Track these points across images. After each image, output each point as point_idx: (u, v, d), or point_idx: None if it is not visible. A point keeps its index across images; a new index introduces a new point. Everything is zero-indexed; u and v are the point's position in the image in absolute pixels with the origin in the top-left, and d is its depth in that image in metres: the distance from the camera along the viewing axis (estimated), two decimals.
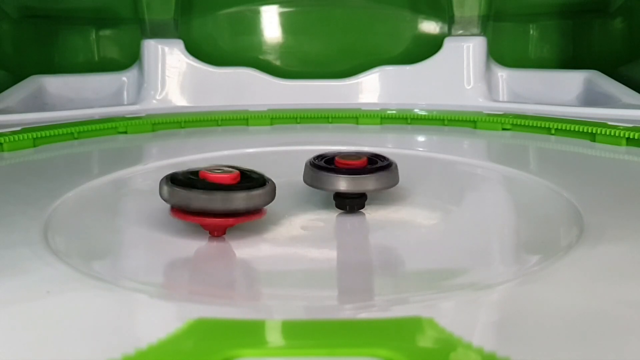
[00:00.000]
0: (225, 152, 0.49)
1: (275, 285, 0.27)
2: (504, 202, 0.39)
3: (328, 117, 0.63)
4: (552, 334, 0.18)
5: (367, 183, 0.32)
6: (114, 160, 0.49)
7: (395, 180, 0.33)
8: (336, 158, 0.33)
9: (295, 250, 0.29)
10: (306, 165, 0.34)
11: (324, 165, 0.33)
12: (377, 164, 0.33)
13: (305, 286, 0.27)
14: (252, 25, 0.80)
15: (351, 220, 0.33)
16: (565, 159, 0.47)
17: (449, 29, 0.75)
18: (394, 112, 0.63)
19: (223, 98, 0.70)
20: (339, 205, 0.34)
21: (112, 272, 0.27)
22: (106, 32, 0.81)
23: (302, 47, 0.81)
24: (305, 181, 0.34)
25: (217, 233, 0.29)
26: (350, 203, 0.33)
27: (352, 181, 0.32)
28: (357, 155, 0.34)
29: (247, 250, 0.29)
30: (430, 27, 0.79)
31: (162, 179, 0.29)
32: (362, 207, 0.34)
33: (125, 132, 0.58)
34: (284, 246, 0.30)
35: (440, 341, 0.18)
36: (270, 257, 0.29)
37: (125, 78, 0.74)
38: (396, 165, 0.34)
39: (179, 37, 0.74)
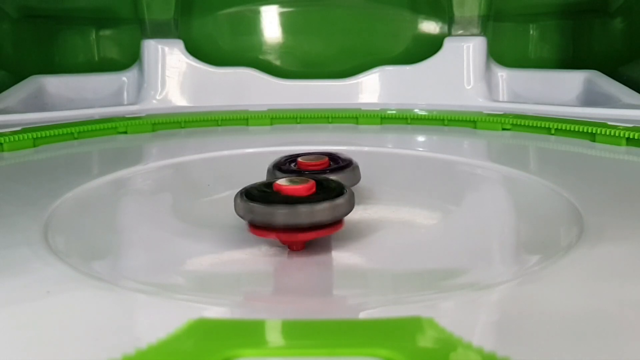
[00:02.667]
0: (225, 152, 0.49)
1: (270, 286, 0.27)
2: (504, 202, 0.39)
3: (328, 117, 0.63)
4: (552, 334, 0.18)
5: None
6: (114, 160, 0.49)
7: (357, 179, 0.34)
8: (298, 160, 0.34)
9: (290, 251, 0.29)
10: (268, 169, 0.34)
11: (287, 168, 0.33)
12: (338, 164, 0.34)
13: (305, 286, 0.27)
14: (252, 25, 0.80)
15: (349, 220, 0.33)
16: (565, 159, 0.47)
17: (449, 29, 0.75)
18: (394, 112, 0.63)
19: (223, 98, 0.70)
20: None
21: (112, 272, 0.27)
22: (106, 32, 0.81)
23: (302, 47, 0.81)
24: None
25: (295, 247, 0.28)
26: None
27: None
28: (318, 156, 0.34)
29: (242, 250, 0.29)
30: (430, 27, 0.79)
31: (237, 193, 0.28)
32: None
33: (125, 132, 0.58)
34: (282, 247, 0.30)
35: (440, 341, 0.18)
36: (268, 256, 0.29)
37: (125, 78, 0.74)
38: (357, 165, 0.34)
39: (179, 37, 0.74)
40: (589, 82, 0.68)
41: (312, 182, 0.27)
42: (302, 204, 0.26)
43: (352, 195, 0.28)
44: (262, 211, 0.26)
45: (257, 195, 0.27)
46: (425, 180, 0.44)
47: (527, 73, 0.74)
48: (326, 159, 0.34)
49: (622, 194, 0.35)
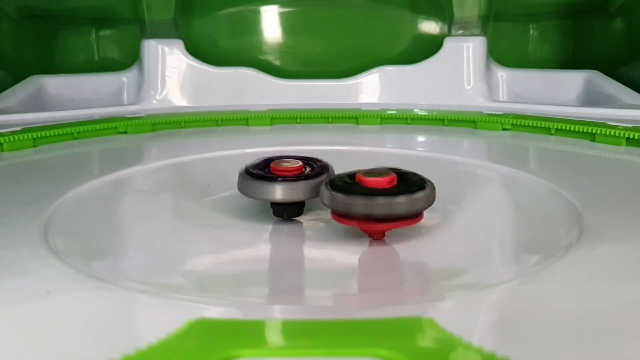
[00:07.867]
0: (225, 152, 0.49)
1: (275, 285, 0.27)
2: (504, 202, 0.39)
3: (328, 117, 0.63)
4: (552, 334, 0.18)
5: (302, 191, 0.31)
6: (114, 160, 0.49)
7: None
8: (271, 165, 0.32)
9: (288, 251, 0.29)
10: (240, 173, 0.32)
11: (259, 173, 0.32)
12: (314, 169, 0.32)
13: (304, 286, 0.27)
14: (252, 25, 0.80)
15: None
16: (565, 159, 0.47)
17: (449, 29, 0.75)
18: (394, 112, 0.63)
19: (223, 98, 0.70)
20: (276, 213, 0.32)
21: (112, 272, 0.27)
22: (106, 32, 0.81)
23: (302, 47, 0.81)
24: (240, 190, 0.32)
25: (376, 236, 0.29)
26: (288, 210, 0.32)
27: (287, 190, 0.31)
28: (292, 160, 0.33)
29: (249, 250, 0.29)
30: (430, 27, 0.79)
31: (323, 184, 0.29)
32: (300, 214, 0.33)
33: (125, 132, 0.58)
34: (287, 249, 0.30)
35: (440, 341, 0.18)
36: (267, 257, 0.29)
37: (125, 78, 0.74)
38: (333, 170, 0.33)
39: (179, 37, 0.74)
40: (589, 82, 0.68)
41: (393, 175, 0.28)
42: (380, 196, 0.27)
43: (433, 189, 0.28)
44: (342, 201, 0.27)
45: (340, 185, 0.28)
46: None
47: (527, 73, 0.74)
48: (300, 164, 0.32)
49: (622, 194, 0.35)
